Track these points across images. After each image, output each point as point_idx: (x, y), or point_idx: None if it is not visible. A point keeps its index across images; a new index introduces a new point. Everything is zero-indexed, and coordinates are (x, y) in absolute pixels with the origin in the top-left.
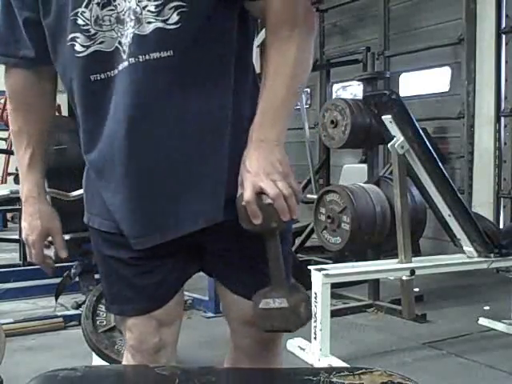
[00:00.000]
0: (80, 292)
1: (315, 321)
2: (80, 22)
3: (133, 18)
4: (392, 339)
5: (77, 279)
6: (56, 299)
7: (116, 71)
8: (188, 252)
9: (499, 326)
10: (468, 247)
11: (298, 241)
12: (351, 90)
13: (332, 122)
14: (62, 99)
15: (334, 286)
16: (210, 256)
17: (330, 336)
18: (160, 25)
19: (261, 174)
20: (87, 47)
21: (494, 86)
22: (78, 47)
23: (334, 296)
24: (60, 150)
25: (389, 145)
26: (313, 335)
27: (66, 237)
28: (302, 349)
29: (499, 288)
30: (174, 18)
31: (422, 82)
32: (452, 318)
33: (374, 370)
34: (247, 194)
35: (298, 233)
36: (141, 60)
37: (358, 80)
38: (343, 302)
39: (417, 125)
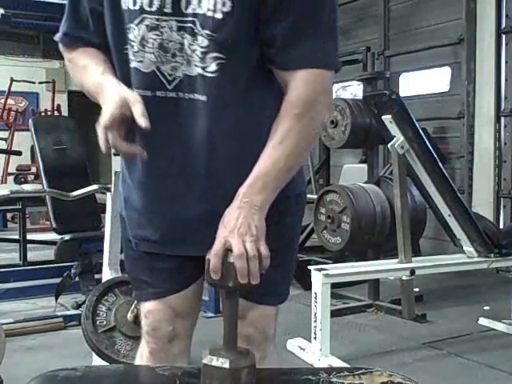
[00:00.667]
0: (80, 292)
1: (315, 321)
2: (130, 36)
3: (185, 58)
4: (392, 339)
5: (77, 279)
6: (56, 299)
7: (151, 93)
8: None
9: (499, 326)
10: (468, 247)
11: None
12: (351, 89)
13: (332, 121)
14: (62, 99)
15: (334, 285)
16: None
17: (330, 336)
18: (200, 71)
19: (235, 232)
20: (132, 61)
21: (494, 86)
22: (130, 55)
23: (334, 296)
24: (60, 149)
25: (389, 145)
26: (313, 335)
27: (66, 237)
28: (302, 349)
29: (499, 288)
30: (213, 67)
31: (422, 82)
32: (452, 318)
33: (373, 370)
34: (215, 247)
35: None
36: (186, 98)
37: (358, 80)
38: (343, 302)
39: (417, 125)
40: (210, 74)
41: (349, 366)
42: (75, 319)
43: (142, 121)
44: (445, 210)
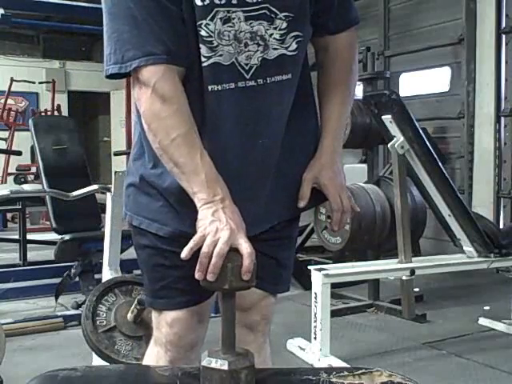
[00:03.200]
0: (80, 292)
1: (315, 321)
2: (203, 33)
3: (261, 43)
4: (392, 339)
5: (77, 279)
6: (56, 299)
7: (234, 85)
8: None
9: (499, 326)
10: (468, 247)
11: (298, 241)
12: None
13: None
14: (62, 99)
15: (334, 285)
16: None
17: (330, 336)
18: (283, 51)
19: (344, 188)
20: (208, 58)
21: (494, 86)
22: (201, 57)
23: (334, 296)
24: (60, 149)
25: (389, 145)
26: (313, 335)
27: (66, 237)
28: (302, 349)
29: (499, 288)
30: (294, 45)
31: (422, 82)
32: (452, 318)
33: (373, 370)
34: (220, 247)
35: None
36: (268, 82)
37: (358, 80)
38: (343, 302)
39: (417, 125)
40: (291, 53)
41: (349, 365)
42: (75, 319)
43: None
44: (445, 210)
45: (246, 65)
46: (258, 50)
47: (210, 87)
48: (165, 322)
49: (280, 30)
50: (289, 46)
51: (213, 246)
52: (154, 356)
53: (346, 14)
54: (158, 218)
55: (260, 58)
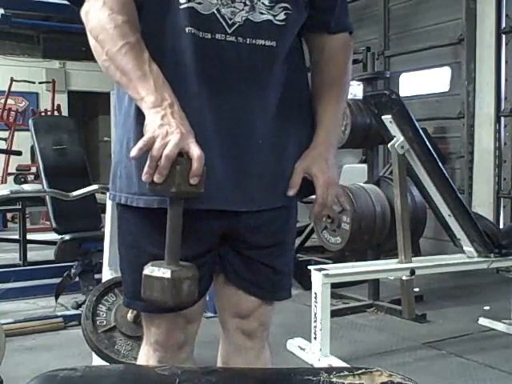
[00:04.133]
0: (80, 292)
1: (315, 321)
2: None
3: (248, 3)
4: (392, 339)
5: (77, 279)
6: (56, 299)
7: (213, 36)
8: (219, 247)
9: (499, 326)
10: (468, 247)
11: (298, 241)
12: (351, 89)
13: None
14: (62, 99)
15: (334, 285)
16: (231, 247)
17: (330, 336)
18: (270, 18)
19: (335, 177)
20: (188, 1)
21: (494, 86)
22: None
23: (334, 296)
24: (60, 149)
25: (389, 145)
26: (313, 335)
27: (66, 237)
28: (302, 349)
29: (499, 288)
30: (282, 16)
31: (422, 82)
32: (452, 318)
33: (373, 370)
34: (170, 149)
35: (298, 233)
36: (248, 42)
37: (358, 80)
38: (343, 302)
39: (417, 125)
40: (279, 22)
41: (349, 365)
42: (75, 319)
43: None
44: (445, 210)
45: (230, 19)
46: (243, 10)
47: (187, 29)
48: (152, 323)
49: None
50: (276, 15)
51: (162, 149)
52: (145, 355)
53: (346, 18)
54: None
55: (244, 18)
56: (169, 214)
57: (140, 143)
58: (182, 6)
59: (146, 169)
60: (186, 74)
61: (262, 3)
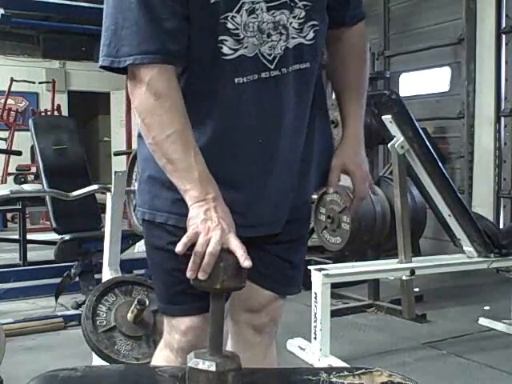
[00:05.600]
0: (80, 292)
1: (315, 321)
2: (230, 25)
3: (284, 32)
4: (392, 339)
5: (77, 279)
6: (56, 299)
7: (257, 77)
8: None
9: (499, 326)
10: (468, 247)
11: None
12: None
13: (332, 121)
14: (62, 99)
15: (334, 285)
16: (249, 243)
17: (330, 336)
18: (301, 40)
19: (367, 174)
20: (235, 50)
21: (494, 86)
22: (225, 50)
23: (334, 296)
24: (60, 149)
25: (389, 145)
26: (313, 335)
27: (66, 237)
28: (302, 349)
29: (499, 288)
30: (311, 35)
31: (422, 82)
32: (452, 318)
33: (373, 370)
34: (213, 245)
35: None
36: (290, 70)
37: None
38: (343, 302)
39: (417, 125)
40: (309, 42)
41: (349, 365)
42: (75, 319)
43: (247, 263)
44: (445, 210)
45: (270, 55)
46: (280, 40)
47: (236, 80)
48: (178, 329)
49: (299, 18)
50: (306, 35)
51: (206, 245)
52: (164, 359)
53: (359, 8)
54: (176, 210)
55: (283, 48)
56: (212, 308)
57: (184, 239)
58: (228, 57)
59: (190, 265)
60: (241, 124)
61: (293, 27)
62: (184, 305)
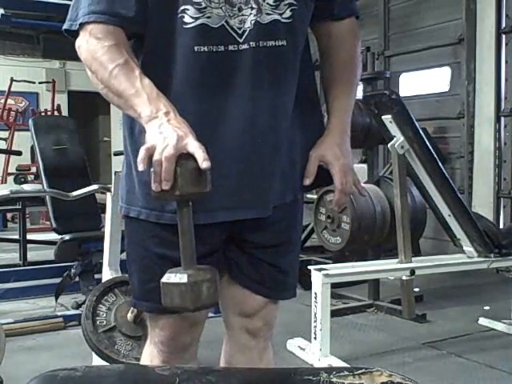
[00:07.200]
0: (80, 292)
1: (315, 321)
2: None
3: (255, 6)
4: (392, 339)
5: (77, 279)
6: (56, 299)
7: (226, 49)
8: (224, 246)
9: (499, 326)
10: (468, 247)
11: None
12: None
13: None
14: (62, 99)
15: (334, 285)
16: (236, 246)
17: (330, 336)
18: (277, 17)
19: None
20: (196, 19)
21: (494, 86)
22: (186, 19)
23: (334, 296)
24: (60, 150)
25: (389, 145)
26: (313, 335)
27: (66, 237)
28: (302, 349)
29: (499, 288)
30: (288, 13)
31: (422, 82)
32: (452, 318)
33: (373, 370)
34: (169, 151)
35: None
36: (260, 45)
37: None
38: (343, 302)
39: (417, 125)
40: (285, 20)
41: (349, 365)
42: (75, 319)
43: (205, 164)
44: (445, 210)
45: (240, 29)
46: (251, 14)
47: (195, 48)
48: (155, 325)
49: None
50: (283, 13)
51: (162, 153)
52: (149, 355)
53: (350, 3)
54: (147, 205)
55: (253, 21)
56: (178, 219)
57: (141, 153)
58: (189, 26)
59: (153, 177)
60: (200, 89)
61: (267, 3)
62: (158, 303)
